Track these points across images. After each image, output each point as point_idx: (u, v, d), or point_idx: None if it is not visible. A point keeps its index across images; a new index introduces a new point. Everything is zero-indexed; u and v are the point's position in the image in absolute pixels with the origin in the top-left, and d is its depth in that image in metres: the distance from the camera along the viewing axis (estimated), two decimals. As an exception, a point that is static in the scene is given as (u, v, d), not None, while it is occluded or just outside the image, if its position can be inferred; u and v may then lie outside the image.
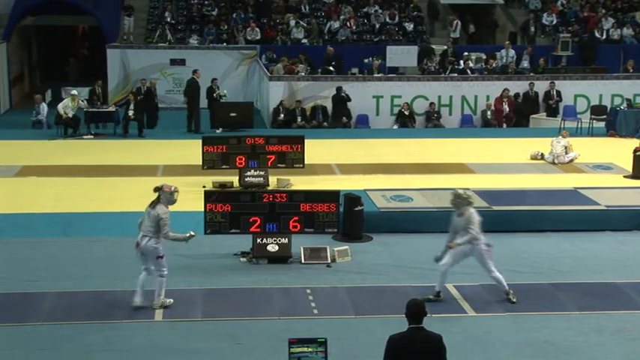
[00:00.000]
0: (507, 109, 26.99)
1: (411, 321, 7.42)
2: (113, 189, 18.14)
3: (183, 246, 14.02)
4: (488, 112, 27.04)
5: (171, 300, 11.61)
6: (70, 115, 23.43)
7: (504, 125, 26.92)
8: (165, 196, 11.54)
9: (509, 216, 15.76)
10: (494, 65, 29.58)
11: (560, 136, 21.21)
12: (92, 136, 23.82)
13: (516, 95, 27.43)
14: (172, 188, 11.68)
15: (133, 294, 11.56)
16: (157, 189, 11.62)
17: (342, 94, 26.62)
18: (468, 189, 12.85)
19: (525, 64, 30.21)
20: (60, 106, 23.51)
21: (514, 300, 11.92)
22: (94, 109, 24.51)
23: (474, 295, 12.27)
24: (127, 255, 13.80)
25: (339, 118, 26.73)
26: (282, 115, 26.52)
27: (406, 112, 26.93)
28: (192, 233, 11.84)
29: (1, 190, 17.86)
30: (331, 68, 28.61)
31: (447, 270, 11.95)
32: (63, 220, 15.88)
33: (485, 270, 11.98)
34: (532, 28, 33.04)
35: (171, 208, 16.30)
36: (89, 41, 40.73)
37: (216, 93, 25.62)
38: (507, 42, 31.51)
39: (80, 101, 23.93)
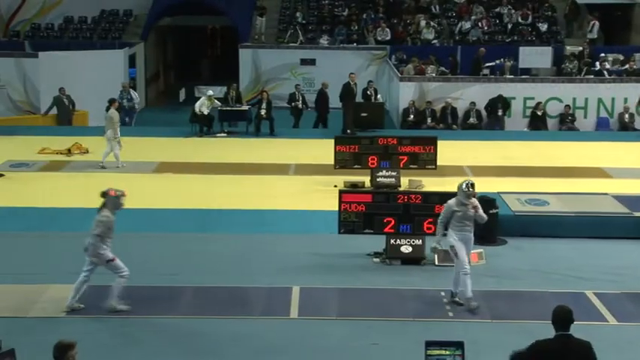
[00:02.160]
0: None
1: (558, 328, 7.22)
2: (246, 187, 18.40)
3: (317, 245, 14.18)
4: (626, 115, 26.15)
5: (127, 307, 11.28)
6: (206, 113, 23.94)
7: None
8: (110, 200, 11.13)
9: (652, 223, 15.19)
10: (633, 67, 28.56)
11: None
12: (225, 135, 24.28)
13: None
14: (119, 192, 11.21)
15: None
16: (103, 194, 11.20)
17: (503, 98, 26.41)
18: None
19: (667, 65, 29.11)
20: (197, 105, 24.07)
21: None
22: (228, 108, 24.96)
23: (615, 303, 11.84)
24: (261, 251, 14.03)
25: (494, 120, 26.46)
26: (412, 116, 26.37)
27: (539, 113, 26.36)
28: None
29: (140, 186, 18.34)
30: (486, 71, 28.25)
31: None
32: (198, 217, 16.19)
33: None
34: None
35: (304, 205, 16.64)
36: (220, 41, 41.57)
37: (372, 95, 25.76)
38: (647, 43, 30.48)
39: (215, 100, 24.41)
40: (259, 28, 32.87)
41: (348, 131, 23.52)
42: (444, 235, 11.83)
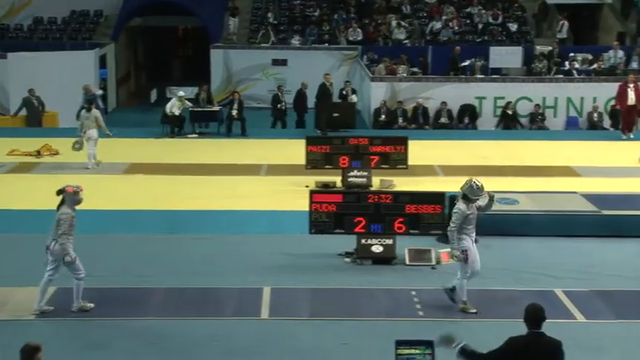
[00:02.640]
0: (633, 98, 23.96)
1: (530, 326, 7.26)
2: (217, 187, 18.36)
3: (288, 245, 14.19)
4: (595, 114, 26.37)
5: (92, 304, 11.32)
6: (177, 114, 23.87)
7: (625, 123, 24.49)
8: (69, 197, 11.15)
9: (619, 221, 15.30)
10: (601, 66, 28.79)
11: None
12: (197, 135, 24.23)
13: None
14: (75, 188, 11.21)
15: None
16: (59, 191, 11.21)
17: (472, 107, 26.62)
18: None
19: (635, 65, 29.29)
20: (168, 106, 24.02)
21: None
22: (199, 109, 24.91)
23: (583, 300, 11.94)
24: (232, 252, 14.02)
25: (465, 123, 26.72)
26: (383, 116, 26.44)
27: (509, 113, 26.53)
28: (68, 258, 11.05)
29: (111, 187, 18.26)
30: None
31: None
32: (169, 218, 16.14)
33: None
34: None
35: (275, 206, 16.64)
36: (191, 42, 41.45)
37: (349, 97, 25.78)
38: (616, 42, 30.67)
39: (186, 101, 24.35)
40: (232, 29, 32.82)
41: (319, 132, 23.55)
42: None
